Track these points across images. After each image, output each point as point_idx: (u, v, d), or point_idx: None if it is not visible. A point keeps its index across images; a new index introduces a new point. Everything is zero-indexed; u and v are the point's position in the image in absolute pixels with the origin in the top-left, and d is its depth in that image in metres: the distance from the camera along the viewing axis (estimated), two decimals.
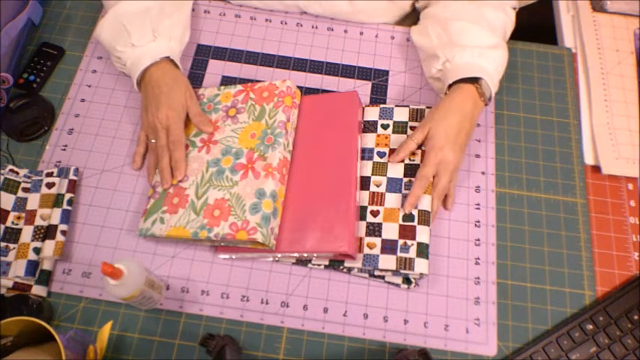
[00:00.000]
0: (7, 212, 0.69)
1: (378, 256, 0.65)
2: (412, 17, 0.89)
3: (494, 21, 0.74)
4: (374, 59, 0.83)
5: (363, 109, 0.77)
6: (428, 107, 0.75)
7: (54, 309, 0.65)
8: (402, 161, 0.71)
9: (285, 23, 0.85)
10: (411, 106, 0.76)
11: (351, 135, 0.71)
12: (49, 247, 0.65)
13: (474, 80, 0.70)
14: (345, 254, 0.64)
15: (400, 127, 0.74)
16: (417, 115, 0.74)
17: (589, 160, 0.77)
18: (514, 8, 0.78)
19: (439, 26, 0.75)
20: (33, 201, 0.69)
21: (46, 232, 0.67)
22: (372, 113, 0.76)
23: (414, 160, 0.71)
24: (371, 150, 0.73)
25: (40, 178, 0.71)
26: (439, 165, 0.68)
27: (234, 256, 0.68)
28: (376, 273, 0.66)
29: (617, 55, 0.84)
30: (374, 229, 0.67)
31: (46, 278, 0.65)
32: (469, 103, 0.70)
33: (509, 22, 0.77)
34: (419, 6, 0.84)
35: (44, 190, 0.70)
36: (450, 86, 0.72)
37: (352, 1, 0.81)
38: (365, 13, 0.84)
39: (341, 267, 0.66)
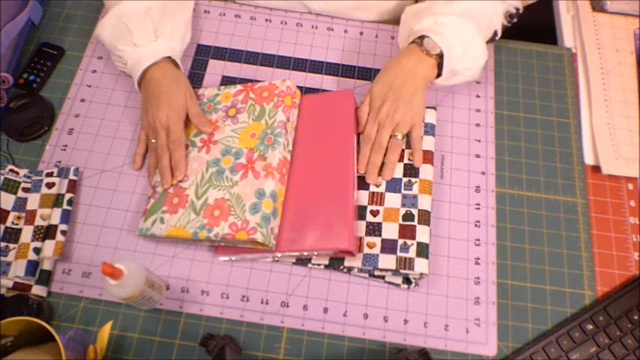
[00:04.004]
0: (7, 212, 0.69)
1: (377, 255, 0.65)
2: None
3: (467, 4, 0.73)
4: (374, 59, 0.83)
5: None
6: (428, 107, 0.75)
7: (54, 309, 0.65)
8: (402, 161, 0.71)
9: (285, 23, 0.85)
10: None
11: (347, 133, 0.71)
12: (49, 247, 0.65)
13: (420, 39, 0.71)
14: (346, 251, 0.64)
15: None
16: None
17: (589, 160, 0.77)
18: (516, 8, 0.78)
19: (413, 7, 0.77)
20: (33, 201, 0.69)
21: (46, 232, 0.67)
22: None
23: (413, 160, 0.71)
24: None
25: (40, 178, 0.71)
26: (382, 122, 0.70)
27: (233, 258, 0.68)
28: (376, 273, 0.66)
29: (617, 55, 0.84)
30: (374, 229, 0.67)
31: (46, 278, 0.65)
32: (411, 59, 0.71)
33: (491, 9, 0.74)
34: None
35: (44, 190, 0.70)
36: None
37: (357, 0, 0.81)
38: (368, 9, 0.84)
39: (341, 267, 0.66)
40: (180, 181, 0.69)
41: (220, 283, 0.67)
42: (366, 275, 0.67)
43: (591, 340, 0.65)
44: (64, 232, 0.67)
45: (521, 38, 0.84)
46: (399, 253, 0.65)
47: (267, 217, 0.63)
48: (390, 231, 0.67)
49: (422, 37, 0.71)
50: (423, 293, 0.67)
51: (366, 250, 0.66)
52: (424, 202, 0.68)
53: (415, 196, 0.68)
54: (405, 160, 0.71)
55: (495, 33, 0.76)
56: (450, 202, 0.72)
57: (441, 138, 0.76)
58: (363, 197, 0.70)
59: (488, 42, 0.75)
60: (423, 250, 0.65)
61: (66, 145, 0.75)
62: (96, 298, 0.66)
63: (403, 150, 0.72)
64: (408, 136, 0.72)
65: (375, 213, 0.68)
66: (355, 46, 0.84)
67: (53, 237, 0.66)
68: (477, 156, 0.76)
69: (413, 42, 0.72)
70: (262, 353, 0.64)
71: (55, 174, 0.71)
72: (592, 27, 0.87)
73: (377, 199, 0.69)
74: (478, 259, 0.69)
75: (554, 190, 0.74)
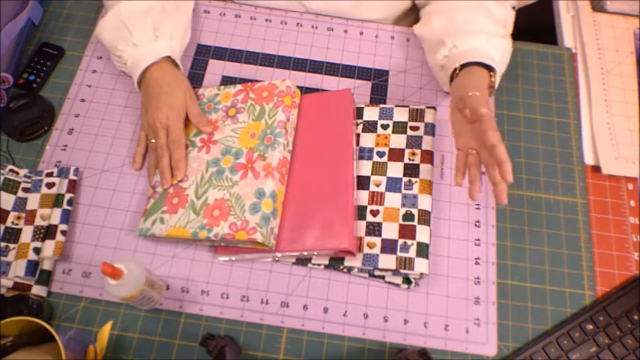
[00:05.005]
0: (7, 212, 0.69)
1: (377, 255, 0.65)
2: (411, 17, 0.89)
3: (498, 14, 0.74)
4: (374, 59, 0.83)
5: (363, 108, 0.77)
6: (428, 107, 0.75)
7: (54, 309, 0.65)
8: (402, 161, 0.71)
9: (285, 23, 0.85)
10: (411, 106, 0.76)
11: (346, 132, 0.72)
12: (49, 247, 0.65)
13: (483, 67, 0.69)
14: (346, 251, 0.64)
15: (400, 127, 0.74)
16: (416, 115, 0.75)
17: (589, 160, 0.77)
18: (513, 8, 0.78)
19: (444, 17, 0.75)
20: (33, 201, 0.69)
21: (46, 232, 0.67)
22: (372, 113, 0.76)
23: (413, 160, 0.71)
24: (370, 150, 0.73)
25: (40, 178, 0.71)
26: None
27: (233, 258, 0.68)
28: (376, 273, 0.66)
29: (617, 55, 0.84)
30: (374, 229, 0.67)
31: (46, 278, 0.65)
32: (485, 88, 0.67)
33: (510, 19, 0.77)
34: (418, 3, 0.84)
35: (44, 190, 0.70)
36: (454, 72, 0.70)
37: None
38: (366, 7, 0.84)
39: (341, 267, 0.66)
40: (180, 181, 0.69)
41: (220, 283, 0.67)
42: (366, 275, 0.67)
43: (591, 340, 0.65)
44: (64, 232, 0.67)
45: (521, 38, 0.84)
46: (399, 253, 0.65)
47: (266, 217, 0.63)
48: (390, 231, 0.67)
49: (490, 68, 0.69)
50: (423, 293, 0.67)
51: (366, 250, 0.66)
52: (424, 202, 0.68)
53: (415, 196, 0.68)
54: (405, 160, 0.71)
55: None
56: (450, 202, 0.72)
57: (441, 138, 0.76)
58: (363, 197, 0.70)
59: None
60: (423, 250, 0.65)
61: (66, 145, 0.75)
62: (96, 298, 0.66)
63: (403, 150, 0.72)
64: (413, 137, 0.73)
65: (375, 213, 0.68)
66: (355, 46, 0.84)
67: (53, 237, 0.66)
68: None
69: (481, 66, 0.69)
70: (262, 353, 0.64)
71: (55, 174, 0.71)
72: (592, 27, 0.87)
73: (377, 199, 0.69)
74: (478, 259, 0.69)
75: (554, 190, 0.74)
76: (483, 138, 0.62)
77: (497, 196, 0.61)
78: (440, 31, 0.74)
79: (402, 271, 0.64)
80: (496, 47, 0.71)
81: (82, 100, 0.78)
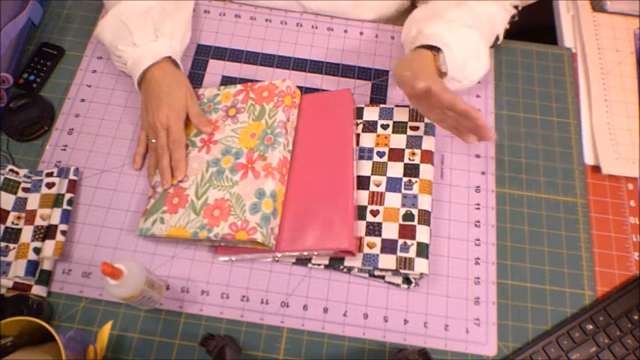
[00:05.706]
0: (7, 212, 0.69)
1: (377, 255, 0.65)
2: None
3: (477, 8, 0.73)
4: (374, 59, 0.83)
5: (363, 108, 0.77)
6: None
7: (54, 309, 0.65)
8: (402, 160, 0.71)
9: (285, 23, 0.85)
10: (411, 106, 0.76)
11: (346, 132, 0.72)
12: (49, 247, 0.65)
13: (437, 50, 0.69)
14: (346, 251, 0.64)
15: (400, 127, 0.74)
16: (417, 115, 0.74)
17: (589, 160, 0.77)
18: (516, 7, 0.78)
19: (423, 7, 0.76)
20: (33, 201, 0.69)
21: (46, 232, 0.67)
22: (372, 113, 0.76)
23: (413, 160, 0.71)
24: (370, 150, 0.73)
25: (40, 178, 0.71)
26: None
27: (233, 258, 0.68)
28: (376, 273, 0.66)
29: (617, 55, 0.84)
30: (374, 229, 0.67)
31: (46, 278, 0.65)
32: (429, 67, 0.68)
33: (500, 18, 0.76)
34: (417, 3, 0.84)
35: (44, 190, 0.70)
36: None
37: None
38: (366, 7, 0.84)
39: (341, 267, 0.67)
40: (180, 181, 0.69)
41: (220, 283, 0.67)
42: (366, 275, 0.67)
43: (591, 340, 0.65)
44: (64, 232, 0.67)
45: (521, 38, 0.84)
46: (399, 253, 0.65)
47: (267, 217, 0.63)
48: (390, 231, 0.67)
49: (437, 50, 0.69)
50: (423, 293, 0.67)
51: (366, 250, 0.66)
52: (424, 202, 0.68)
53: (415, 196, 0.68)
54: (405, 160, 0.71)
55: (497, 38, 0.77)
56: (450, 202, 0.72)
57: (441, 138, 0.76)
58: (363, 197, 0.70)
59: (490, 47, 0.75)
60: (423, 250, 0.65)
61: (66, 145, 0.75)
62: (96, 298, 0.66)
63: (403, 150, 0.72)
64: (413, 137, 0.73)
65: (375, 213, 0.68)
66: (355, 46, 0.84)
67: (53, 237, 0.66)
68: (477, 156, 0.76)
69: (428, 49, 0.70)
70: (262, 353, 0.64)
71: (55, 174, 0.71)
72: (592, 27, 0.87)
73: (377, 199, 0.69)
74: (478, 259, 0.69)
75: (554, 190, 0.74)
76: (451, 108, 0.65)
77: (484, 136, 0.65)
78: (418, 19, 0.75)
79: (402, 271, 0.64)
80: (457, 35, 0.70)
81: (82, 100, 0.78)
